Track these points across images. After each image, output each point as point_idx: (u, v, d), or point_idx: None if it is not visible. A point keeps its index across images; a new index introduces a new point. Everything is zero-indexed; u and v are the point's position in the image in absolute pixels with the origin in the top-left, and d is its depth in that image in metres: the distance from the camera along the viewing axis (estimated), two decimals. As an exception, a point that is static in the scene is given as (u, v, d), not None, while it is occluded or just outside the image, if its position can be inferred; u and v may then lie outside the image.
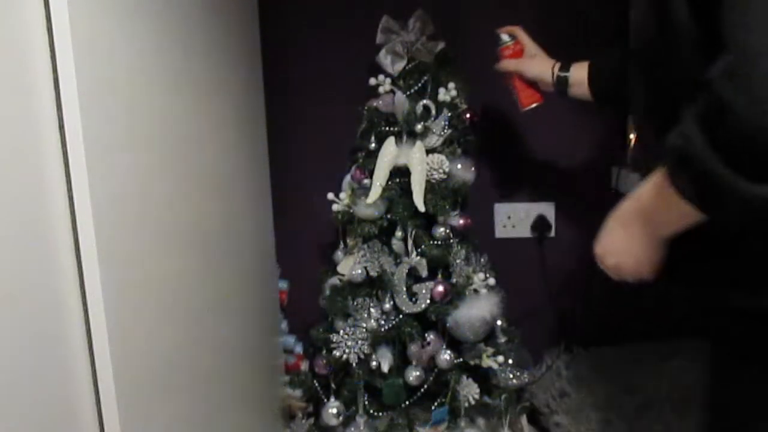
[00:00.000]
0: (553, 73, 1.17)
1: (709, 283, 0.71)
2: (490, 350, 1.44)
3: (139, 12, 0.88)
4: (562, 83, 1.16)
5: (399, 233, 1.43)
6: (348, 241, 1.48)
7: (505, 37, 1.25)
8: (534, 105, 1.24)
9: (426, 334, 1.42)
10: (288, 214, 1.67)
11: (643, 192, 0.71)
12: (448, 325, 1.40)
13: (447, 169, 1.40)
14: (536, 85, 1.22)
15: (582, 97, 1.17)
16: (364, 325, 1.39)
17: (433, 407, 1.44)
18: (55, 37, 0.70)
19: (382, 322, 1.40)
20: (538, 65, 1.20)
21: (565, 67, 1.17)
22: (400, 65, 1.43)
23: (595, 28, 1.56)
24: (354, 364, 1.39)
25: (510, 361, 1.46)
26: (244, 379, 1.34)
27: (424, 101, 1.43)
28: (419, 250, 1.42)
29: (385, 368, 1.39)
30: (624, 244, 0.75)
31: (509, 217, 1.67)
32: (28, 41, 0.69)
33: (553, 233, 1.66)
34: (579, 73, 1.15)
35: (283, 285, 1.69)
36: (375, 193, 1.39)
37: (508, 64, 1.24)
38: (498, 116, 1.59)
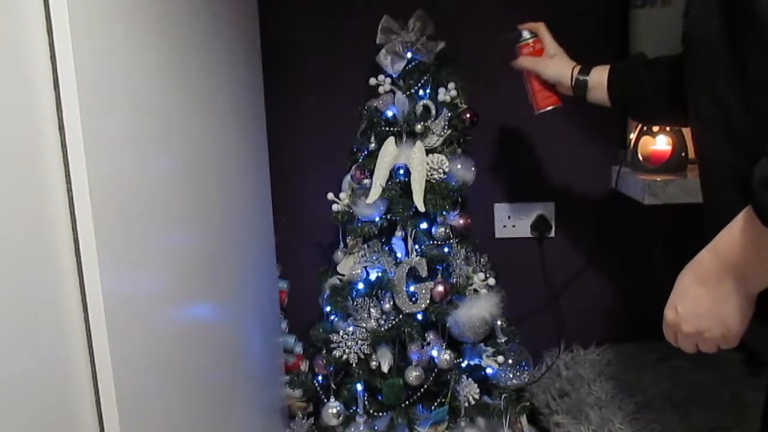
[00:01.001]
0: (572, 76, 1.11)
1: None
2: (490, 350, 1.44)
3: (139, 12, 0.88)
4: (581, 87, 1.11)
5: (399, 233, 1.43)
6: (348, 241, 1.48)
7: (525, 34, 1.18)
8: (550, 108, 1.17)
9: (426, 334, 1.42)
10: (288, 214, 1.67)
11: (724, 241, 0.61)
12: (448, 325, 1.40)
13: (447, 169, 1.40)
14: (553, 87, 1.16)
15: (600, 102, 1.11)
16: (364, 325, 1.39)
17: (433, 407, 1.44)
18: (55, 37, 0.70)
19: (382, 322, 1.41)
20: (558, 66, 1.13)
21: (584, 70, 1.11)
22: (400, 65, 1.43)
23: (595, 27, 1.57)
24: (354, 364, 1.39)
25: (510, 361, 1.46)
26: (244, 379, 1.34)
27: (424, 101, 1.43)
28: (419, 250, 1.42)
29: (385, 368, 1.39)
30: (710, 306, 0.62)
31: (509, 217, 1.67)
32: (28, 41, 0.69)
33: (553, 233, 1.66)
34: (599, 77, 1.10)
35: (283, 285, 1.69)
36: (375, 193, 1.39)
37: (525, 62, 1.17)
38: (498, 116, 1.59)
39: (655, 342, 1.58)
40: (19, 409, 0.67)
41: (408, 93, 1.43)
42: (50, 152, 0.72)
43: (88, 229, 0.74)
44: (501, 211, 1.67)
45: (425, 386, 1.41)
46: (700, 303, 0.62)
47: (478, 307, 1.39)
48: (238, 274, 1.31)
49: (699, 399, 1.39)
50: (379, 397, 1.44)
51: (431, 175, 1.40)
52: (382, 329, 1.40)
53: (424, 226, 1.43)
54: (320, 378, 1.48)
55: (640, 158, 1.40)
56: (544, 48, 1.17)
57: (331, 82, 1.64)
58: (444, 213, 1.42)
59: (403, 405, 1.42)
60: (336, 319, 1.45)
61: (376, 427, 1.44)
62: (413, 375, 1.39)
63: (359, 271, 1.42)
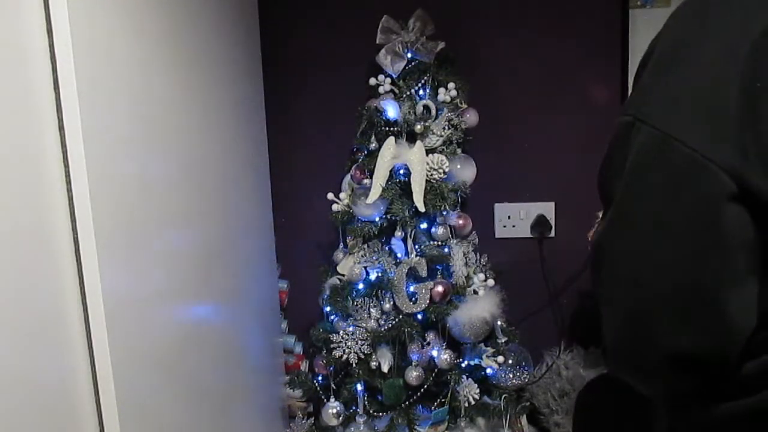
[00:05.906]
0: None
1: None
2: (490, 350, 1.44)
3: (138, 12, 0.88)
4: None
5: (399, 233, 1.43)
6: (348, 241, 1.48)
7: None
8: None
9: (426, 334, 1.42)
10: (288, 214, 1.67)
11: None
12: (448, 325, 1.40)
13: (447, 169, 1.40)
14: None
15: None
16: (364, 325, 1.39)
17: (433, 407, 1.44)
18: (55, 37, 0.71)
19: (382, 322, 1.40)
20: None
21: None
22: (400, 65, 1.43)
23: (595, 27, 1.56)
24: (354, 364, 1.39)
25: (510, 361, 1.46)
26: (244, 379, 1.34)
27: (424, 101, 1.43)
28: (419, 250, 1.42)
29: (385, 368, 1.39)
30: None
31: (509, 217, 1.67)
32: (28, 42, 0.69)
33: (553, 233, 1.66)
34: None
35: (283, 285, 1.69)
36: (375, 193, 1.39)
37: None
38: (498, 116, 1.59)
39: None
40: (20, 408, 0.67)
41: (408, 93, 1.43)
42: (50, 152, 0.72)
43: (88, 229, 0.74)
44: (501, 211, 1.67)
45: (425, 386, 1.41)
46: None
47: (478, 308, 1.39)
48: (238, 274, 1.31)
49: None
50: (379, 397, 1.44)
51: (431, 175, 1.40)
52: (382, 329, 1.40)
53: (423, 226, 1.43)
54: (320, 378, 1.48)
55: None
56: None
57: (331, 82, 1.64)
58: (444, 213, 1.42)
59: (403, 405, 1.42)
60: (336, 319, 1.45)
61: (376, 427, 1.44)
62: (413, 375, 1.39)
63: (359, 271, 1.42)
